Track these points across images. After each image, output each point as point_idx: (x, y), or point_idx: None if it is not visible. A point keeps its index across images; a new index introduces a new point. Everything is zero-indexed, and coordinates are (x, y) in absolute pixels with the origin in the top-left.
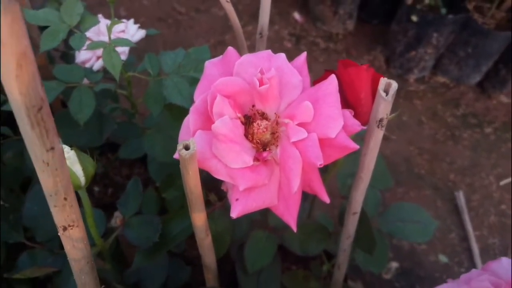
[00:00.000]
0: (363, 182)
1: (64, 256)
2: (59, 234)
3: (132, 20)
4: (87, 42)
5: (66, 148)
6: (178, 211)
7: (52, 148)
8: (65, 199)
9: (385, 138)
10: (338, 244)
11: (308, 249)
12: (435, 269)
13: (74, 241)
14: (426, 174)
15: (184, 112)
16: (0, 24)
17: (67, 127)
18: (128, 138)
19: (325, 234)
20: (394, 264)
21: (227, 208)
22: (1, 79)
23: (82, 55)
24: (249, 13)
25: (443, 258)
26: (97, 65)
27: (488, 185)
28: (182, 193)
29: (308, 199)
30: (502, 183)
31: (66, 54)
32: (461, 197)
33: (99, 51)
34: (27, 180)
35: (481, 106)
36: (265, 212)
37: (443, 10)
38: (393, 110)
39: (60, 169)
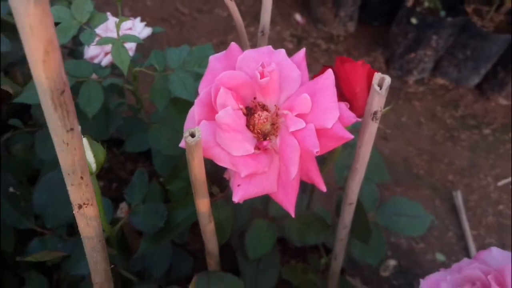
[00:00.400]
0: (358, 173)
1: (73, 242)
2: (74, 212)
3: (138, 18)
4: (97, 38)
5: None
6: (182, 200)
7: (72, 129)
8: (82, 178)
9: (383, 138)
10: (335, 234)
11: (307, 239)
12: (433, 268)
13: (88, 219)
14: (424, 174)
15: (188, 106)
16: (31, 14)
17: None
18: (133, 133)
19: (324, 226)
20: (392, 262)
21: (229, 198)
22: (30, 64)
23: (91, 51)
24: (252, 15)
25: (440, 257)
26: (105, 60)
27: (486, 186)
28: (186, 184)
29: (306, 191)
30: (500, 183)
31: (74, 51)
32: (459, 197)
33: (107, 48)
34: (34, 173)
35: (480, 108)
36: (266, 202)
37: (442, 13)
38: (392, 112)
39: (78, 149)
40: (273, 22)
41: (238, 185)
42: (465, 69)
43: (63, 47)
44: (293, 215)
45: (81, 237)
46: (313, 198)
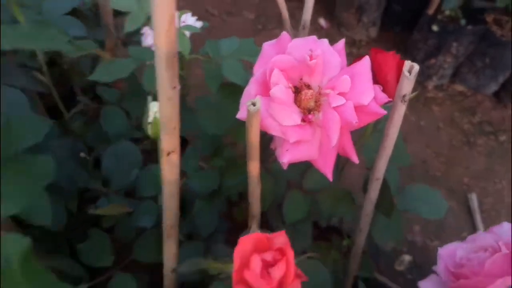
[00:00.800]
0: (386, 151)
1: (133, 202)
2: (161, 159)
3: (190, 13)
4: None
5: (156, 104)
6: (231, 169)
7: (175, 87)
8: (174, 128)
9: (403, 140)
10: (362, 210)
11: (336, 211)
12: None
13: (173, 165)
14: (441, 176)
15: (235, 90)
16: None
17: (136, 99)
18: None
19: (351, 200)
20: (407, 258)
21: (270, 170)
22: (155, 32)
23: (149, 41)
24: (276, 19)
25: None
26: None
27: (501, 190)
28: (227, 162)
29: (336, 171)
30: None
31: (127, 42)
32: (474, 199)
33: None
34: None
35: (497, 115)
36: (301, 177)
37: (463, 21)
38: (412, 116)
39: (176, 104)
40: (297, 27)
41: (287, 150)
42: (483, 76)
43: (117, 38)
44: (330, 179)
45: (163, 182)
46: (341, 177)
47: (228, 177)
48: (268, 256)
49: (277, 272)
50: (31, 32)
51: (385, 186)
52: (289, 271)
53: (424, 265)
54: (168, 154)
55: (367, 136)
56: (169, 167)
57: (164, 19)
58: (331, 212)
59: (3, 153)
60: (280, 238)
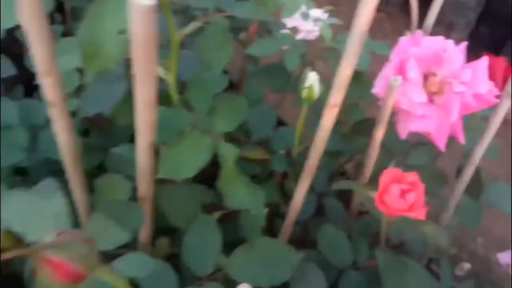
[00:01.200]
0: (485, 139)
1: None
2: (325, 110)
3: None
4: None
5: (314, 73)
6: (351, 138)
7: (357, 57)
8: (344, 87)
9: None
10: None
11: (431, 185)
12: (503, 279)
13: (331, 117)
14: None
15: (356, 77)
16: None
17: (276, 77)
18: None
19: (444, 180)
20: (467, 265)
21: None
22: (359, 13)
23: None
24: None
25: None
26: (298, 36)
27: None
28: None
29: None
30: None
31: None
32: None
33: (302, 27)
34: None
35: None
36: (405, 156)
37: None
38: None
39: (353, 69)
40: (386, 37)
41: (412, 121)
42: None
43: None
44: (443, 149)
45: (320, 128)
46: (436, 161)
47: (352, 141)
48: (404, 186)
49: (411, 196)
50: (251, 5)
51: (477, 171)
52: (420, 198)
53: (482, 274)
54: (333, 106)
55: (472, 126)
56: (329, 117)
57: (369, 5)
58: (427, 186)
59: (210, 92)
60: (412, 176)
